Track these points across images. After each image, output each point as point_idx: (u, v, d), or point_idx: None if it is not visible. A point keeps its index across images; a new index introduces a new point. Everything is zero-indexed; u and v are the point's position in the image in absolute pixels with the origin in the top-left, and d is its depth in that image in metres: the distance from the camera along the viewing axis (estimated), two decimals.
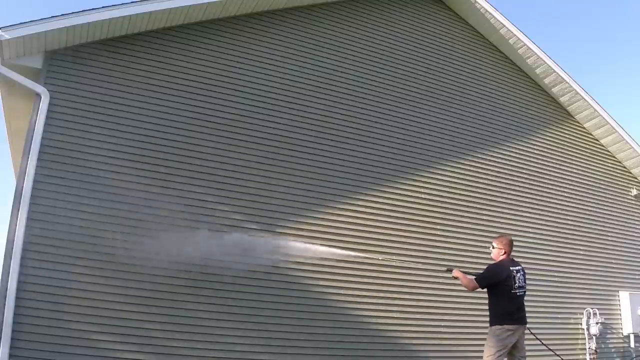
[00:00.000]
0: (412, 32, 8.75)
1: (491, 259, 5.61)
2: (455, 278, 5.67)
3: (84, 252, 5.77)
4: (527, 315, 5.52)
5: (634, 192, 10.27)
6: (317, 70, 7.67)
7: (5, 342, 5.17)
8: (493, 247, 5.57)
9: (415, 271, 7.46)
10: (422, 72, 8.59)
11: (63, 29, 5.94)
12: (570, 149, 9.86)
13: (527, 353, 7.89)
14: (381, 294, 7.19)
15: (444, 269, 5.95)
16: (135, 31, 6.62)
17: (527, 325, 5.49)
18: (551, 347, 8.43)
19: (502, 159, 8.92)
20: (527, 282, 8.17)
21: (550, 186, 9.30)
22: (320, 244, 6.89)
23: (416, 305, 7.37)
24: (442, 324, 7.24)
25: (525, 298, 8.16)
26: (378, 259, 6.89)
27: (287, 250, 6.57)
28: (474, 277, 5.54)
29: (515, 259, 5.59)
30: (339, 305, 6.89)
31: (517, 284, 5.32)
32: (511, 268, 5.35)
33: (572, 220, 9.32)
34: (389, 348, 7.06)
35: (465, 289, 5.63)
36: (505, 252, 5.49)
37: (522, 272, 5.43)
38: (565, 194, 9.43)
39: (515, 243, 8.32)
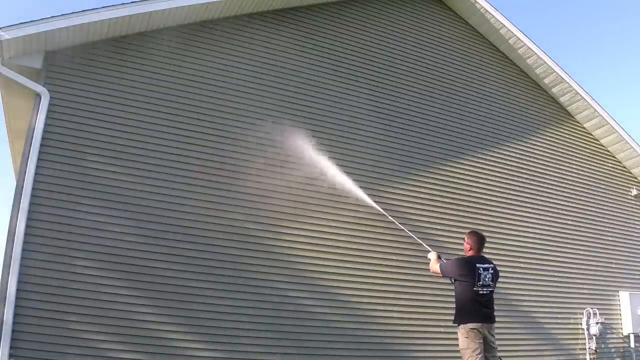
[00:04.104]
0: (412, 32, 8.75)
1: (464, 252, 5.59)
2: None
3: (83, 252, 5.77)
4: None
5: (634, 192, 10.27)
6: (317, 70, 7.67)
7: (5, 342, 5.17)
8: (465, 241, 5.51)
9: (415, 271, 7.46)
10: (422, 72, 8.59)
11: (63, 29, 5.95)
12: (570, 149, 9.86)
13: (525, 354, 7.94)
14: (381, 294, 7.19)
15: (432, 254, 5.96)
16: (135, 31, 6.62)
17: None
18: (550, 347, 8.44)
19: (502, 159, 8.92)
20: (527, 282, 8.19)
21: (550, 186, 9.30)
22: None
23: (416, 305, 7.38)
24: (442, 324, 7.23)
25: (525, 297, 8.25)
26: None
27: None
28: (444, 261, 5.63)
29: (486, 257, 5.43)
30: (340, 305, 6.90)
31: (481, 282, 5.16)
32: (478, 265, 5.21)
33: (572, 220, 9.32)
34: (389, 348, 7.06)
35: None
36: (472, 248, 5.40)
37: (491, 271, 5.26)
38: (565, 194, 9.43)
39: (515, 243, 8.48)
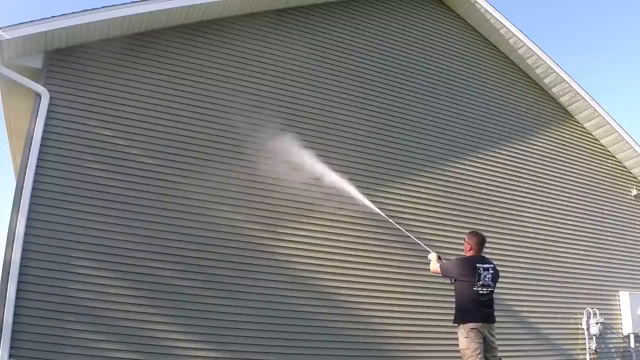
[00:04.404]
0: (412, 32, 8.75)
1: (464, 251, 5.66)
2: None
3: (83, 252, 5.77)
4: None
5: (634, 192, 10.27)
6: (317, 70, 7.66)
7: (5, 342, 5.17)
8: (465, 241, 5.57)
9: (415, 271, 7.46)
10: (422, 72, 8.59)
11: (63, 29, 5.94)
12: (570, 149, 9.86)
13: (525, 354, 7.94)
14: (381, 294, 7.19)
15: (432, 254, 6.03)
16: (135, 31, 6.62)
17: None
18: (550, 347, 8.44)
19: (502, 159, 8.92)
20: (527, 282, 8.19)
21: (550, 186, 9.30)
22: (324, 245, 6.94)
23: (417, 306, 7.38)
24: (442, 324, 7.23)
25: (525, 297, 8.25)
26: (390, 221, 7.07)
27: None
28: (444, 261, 5.73)
29: (487, 257, 5.50)
30: (339, 305, 6.89)
31: (481, 282, 5.21)
32: (478, 265, 5.26)
33: (572, 220, 9.32)
34: (389, 348, 7.06)
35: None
36: (472, 249, 5.45)
37: (491, 272, 5.31)
38: (565, 194, 9.43)
39: (515, 243, 8.48)
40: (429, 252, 6.07)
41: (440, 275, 5.70)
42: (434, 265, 5.75)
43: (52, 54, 6.18)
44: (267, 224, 6.73)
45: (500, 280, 5.59)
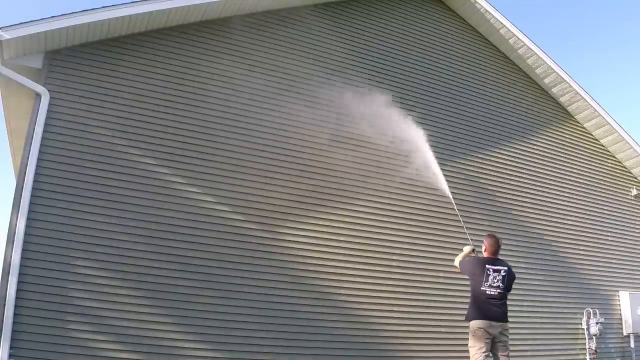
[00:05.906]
0: (411, 32, 8.75)
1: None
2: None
3: (83, 252, 5.78)
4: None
5: (634, 192, 10.27)
6: (317, 71, 7.66)
7: (5, 342, 5.18)
8: (483, 242, 5.79)
9: (415, 271, 7.46)
10: (422, 72, 8.59)
11: (63, 29, 5.95)
12: (570, 149, 9.86)
13: (525, 354, 7.94)
14: (381, 294, 7.19)
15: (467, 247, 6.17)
16: (135, 31, 6.62)
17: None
18: (550, 347, 8.45)
19: (502, 159, 8.92)
20: (527, 281, 8.21)
21: (550, 186, 9.30)
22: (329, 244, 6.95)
23: (416, 305, 7.38)
24: (442, 324, 7.24)
25: (525, 297, 8.25)
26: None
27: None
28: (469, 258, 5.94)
29: (501, 260, 5.67)
30: (339, 305, 6.90)
31: (489, 283, 5.41)
32: (487, 266, 5.47)
33: (572, 220, 9.32)
34: (389, 348, 7.06)
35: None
36: (486, 250, 5.68)
37: (502, 274, 5.48)
38: (565, 194, 9.43)
39: (515, 243, 8.48)
40: (469, 243, 6.22)
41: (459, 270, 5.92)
42: (457, 261, 5.95)
43: (52, 54, 6.18)
44: (267, 224, 6.73)
45: None
